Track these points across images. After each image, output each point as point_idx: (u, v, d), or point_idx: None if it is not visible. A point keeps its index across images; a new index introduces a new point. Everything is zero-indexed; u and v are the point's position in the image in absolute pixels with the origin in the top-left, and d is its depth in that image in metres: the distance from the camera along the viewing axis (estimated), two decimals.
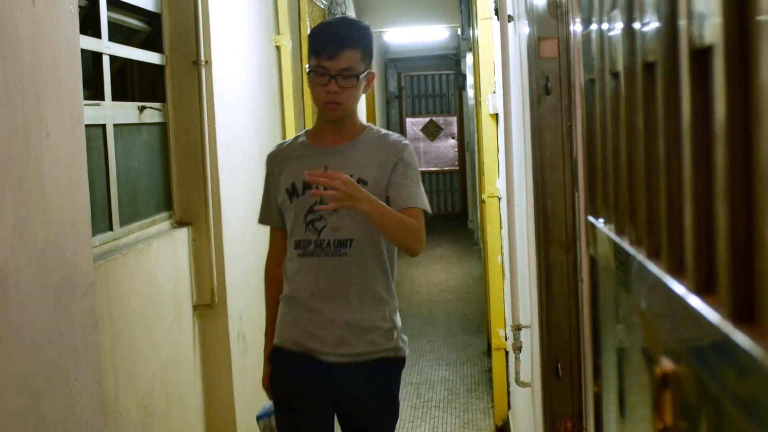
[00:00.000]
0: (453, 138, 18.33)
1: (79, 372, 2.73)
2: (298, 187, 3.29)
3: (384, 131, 3.45)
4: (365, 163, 3.27)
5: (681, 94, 1.22)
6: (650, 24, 1.40)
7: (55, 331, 2.58)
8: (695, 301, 1.16)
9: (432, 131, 18.34)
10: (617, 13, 1.67)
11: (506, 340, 5.87)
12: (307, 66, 3.29)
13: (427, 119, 18.33)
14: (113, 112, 3.89)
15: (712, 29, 1.07)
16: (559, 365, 3.18)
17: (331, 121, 3.33)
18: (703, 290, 1.16)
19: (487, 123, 6.28)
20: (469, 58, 10.77)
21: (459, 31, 11.26)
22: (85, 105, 2.96)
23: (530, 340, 3.84)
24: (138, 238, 4.03)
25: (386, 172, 3.25)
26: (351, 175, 3.06)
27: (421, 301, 10.53)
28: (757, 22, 0.92)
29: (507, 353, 5.92)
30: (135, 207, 4.14)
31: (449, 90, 18.20)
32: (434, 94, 18.39)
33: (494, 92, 5.82)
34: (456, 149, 18.29)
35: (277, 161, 3.42)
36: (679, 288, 1.25)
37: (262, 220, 3.52)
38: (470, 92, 11.43)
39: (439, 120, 18.36)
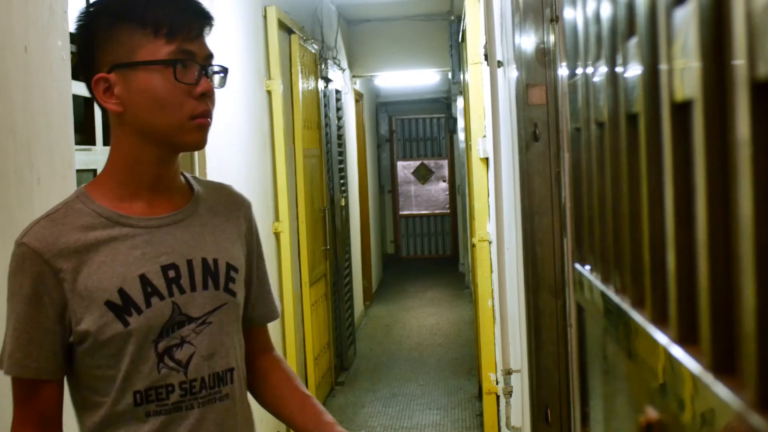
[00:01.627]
0: (444, 181, 18.36)
1: None
2: (133, 295, 1.89)
3: (198, 177, 2.19)
4: (224, 237, 2.08)
5: (663, 146, 1.24)
6: (633, 76, 1.43)
7: None
8: (677, 351, 1.17)
9: (423, 175, 18.38)
10: (601, 64, 1.69)
11: (497, 384, 5.86)
12: (140, 61, 1.88)
13: (418, 162, 18.36)
14: (104, 157, 3.89)
15: (691, 84, 1.09)
16: (549, 411, 3.18)
17: (167, 162, 1.99)
18: (685, 340, 1.17)
19: (477, 167, 6.31)
20: (459, 102, 10.84)
21: (450, 75, 11.32)
22: (76, 150, 2.98)
23: (521, 384, 3.84)
24: None
25: (243, 248, 2.14)
26: (215, 262, 2.01)
27: (412, 344, 10.50)
28: (735, 79, 0.94)
29: (498, 397, 5.91)
30: None
31: (440, 133, 18.25)
32: (425, 138, 18.43)
33: (484, 136, 5.85)
34: (447, 192, 18.31)
35: (57, 256, 1.86)
36: (662, 337, 1.26)
37: (15, 367, 1.89)
38: (461, 136, 11.48)
39: (430, 163, 18.40)
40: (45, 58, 2.69)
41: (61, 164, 2.77)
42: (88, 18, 1.94)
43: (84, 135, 3.79)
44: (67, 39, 2.87)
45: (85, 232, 1.89)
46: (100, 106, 1.94)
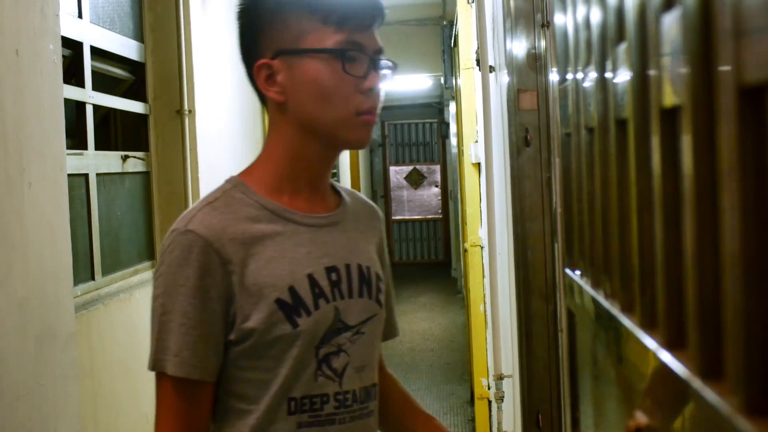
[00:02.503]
0: (436, 186, 18.37)
1: (60, 423, 2.72)
2: (303, 294, 1.77)
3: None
4: (370, 246, 1.99)
5: (651, 152, 1.24)
6: (622, 82, 1.43)
7: (35, 382, 2.57)
8: (666, 356, 1.18)
9: (415, 180, 18.39)
10: (591, 69, 1.70)
11: (489, 389, 5.86)
12: (307, 48, 1.77)
13: (410, 168, 18.38)
14: (96, 161, 3.90)
15: (678, 89, 1.09)
16: (540, 416, 3.18)
17: (328, 160, 1.89)
18: (673, 345, 1.17)
19: (469, 172, 6.31)
20: (452, 107, 10.85)
21: (442, 80, 11.34)
22: (68, 154, 2.98)
23: (512, 389, 3.84)
24: (120, 287, 4.02)
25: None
26: (368, 270, 1.91)
27: (405, 350, 10.50)
28: (723, 84, 0.94)
29: (490, 403, 5.91)
30: (117, 256, 4.14)
31: (433, 138, 18.27)
32: (418, 143, 18.45)
33: (476, 141, 5.85)
34: (439, 197, 18.33)
35: (226, 247, 1.74)
36: (650, 342, 1.26)
37: (183, 367, 1.73)
38: (453, 141, 11.48)
39: (423, 168, 18.41)
40: (36, 61, 2.69)
41: (53, 169, 2.77)
42: (252, 1, 1.84)
43: (76, 139, 3.79)
44: (59, 42, 2.87)
45: (250, 223, 1.77)
46: (260, 94, 1.85)
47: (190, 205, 4.42)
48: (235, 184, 1.84)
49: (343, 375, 1.81)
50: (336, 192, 1.97)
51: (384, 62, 1.83)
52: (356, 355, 1.83)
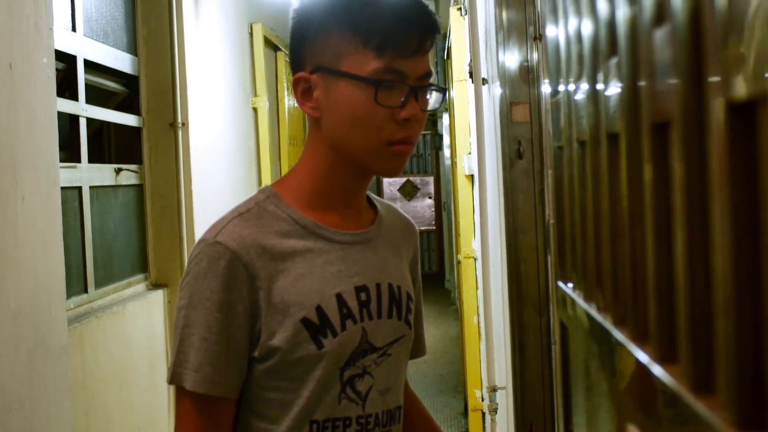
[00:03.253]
0: (430, 198, 18.36)
1: None
2: (330, 314, 1.71)
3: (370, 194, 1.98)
4: (403, 264, 1.91)
5: (642, 165, 1.25)
6: (614, 95, 1.43)
7: (27, 395, 2.57)
8: (658, 370, 1.18)
9: (409, 191, 18.38)
10: (583, 82, 1.70)
11: (483, 401, 5.86)
12: (346, 69, 1.67)
13: (404, 179, 18.37)
14: (89, 174, 3.90)
15: (669, 104, 1.10)
16: (533, 428, 3.18)
17: (363, 178, 1.81)
18: (665, 359, 1.17)
19: (463, 184, 6.31)
20: (445, 119, 10.85)
21: None
22: (61, 167, 2.98)
23: (506, 401, 3.84)
24: (113, 300, 4.02)
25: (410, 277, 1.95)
26: (399, 289, 1.84)
27: None
28: (713, 99, 0.95)
29: (483, 414, 5.90)
30: (110, 269, 4.14)
31: (426, 150, 18.27)
32: (411, 154, 18.44)
33: (470, 153, 5.86)
34: (433, 209, 18.32)
35: (255, 261, 1.68)
36: (642, 356, 1.26)
37: (204, 383, 1.66)
38: (447, 152, 11.48)
39: (416, 180, 18.41)
40: (30, 74, 2.69)
41: (46, 182, 2.77)
42: (304, 11, 1.76)
43: (69, 152, 3.79)
44: (53, 56, 2.87)
45: (281, 238, 1.70)
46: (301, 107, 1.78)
47: (183, 219, 4.45)
48: (268, 195, 1.76)
49: (366, 398, 1.75)
50: (372, 206, 1.90)
51: (428, 88, 1.72)
52: (381, 378, 1.77)
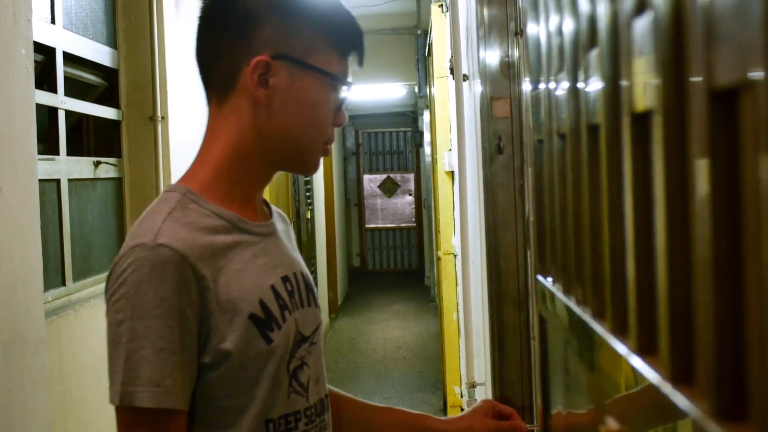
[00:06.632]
0: (410, 195, 18.39)
1: (29, 429, 2.70)
2: (272, 307, 1.67)
3: None
4: (298, 255, 1.91)
5: (623, 157, 1.24)
6: (594, 87, 1.43)
7: (3, 388, 2.55)
8: (637, 362, 1.18)
9: (389, 188, 18.40)
10: (563, 75, 1.70)
11: (462, 397, 5.86)
12: (315, 65, 1.70)
13: (384, 176, 18.39)
14: (68, 167, 3.88)
15: (650, 93, 1.09)
16: None
17: (275, 169, 1.81)
18: (644, 351, 1.17)
19: (443, 180, 6.32)
20: (426, 116, 10.86)
21: (416, 89, 11.35)
22: (39, 160, 2.96)
23: (485, 397, 3.84)
24: (91, 293, 4.00)
25: None
26: (308, 277, 1.85)
27: (378, 358, 10.49)
28: (694, 88, 0.94)
29: (463, 410, 5.91)
30: (89, 262, 4.12)
31: (406, 147, 18.29)
32: (392, 151, 18.46)
33: (450, 150, 5.86)
34: (413, 206, 18.34)
35: (199, 261, 1.59)
36: (622, 348, 1.26)
37: (170, 398, 1.55)
38: (427, 149, 11.49)
39: (397, 177, 18.42)
40: (8, 66, 2.67)
41: (24, 174, 2.75)
42: None
43: (47, 145, 3.77)
44: (31, 47, 2.85)
45: (212, 235, 1.63)
46: (216, 84, 1.78)
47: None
48: (183, 192, 1.69)
49: (308, 389, 1.73)
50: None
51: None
52: (314, 367, 1.76)
